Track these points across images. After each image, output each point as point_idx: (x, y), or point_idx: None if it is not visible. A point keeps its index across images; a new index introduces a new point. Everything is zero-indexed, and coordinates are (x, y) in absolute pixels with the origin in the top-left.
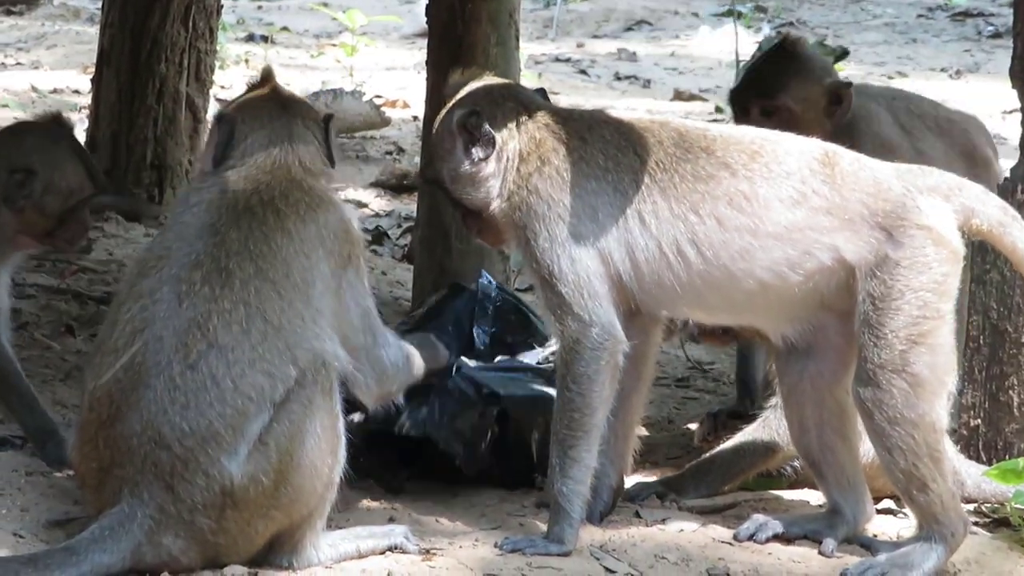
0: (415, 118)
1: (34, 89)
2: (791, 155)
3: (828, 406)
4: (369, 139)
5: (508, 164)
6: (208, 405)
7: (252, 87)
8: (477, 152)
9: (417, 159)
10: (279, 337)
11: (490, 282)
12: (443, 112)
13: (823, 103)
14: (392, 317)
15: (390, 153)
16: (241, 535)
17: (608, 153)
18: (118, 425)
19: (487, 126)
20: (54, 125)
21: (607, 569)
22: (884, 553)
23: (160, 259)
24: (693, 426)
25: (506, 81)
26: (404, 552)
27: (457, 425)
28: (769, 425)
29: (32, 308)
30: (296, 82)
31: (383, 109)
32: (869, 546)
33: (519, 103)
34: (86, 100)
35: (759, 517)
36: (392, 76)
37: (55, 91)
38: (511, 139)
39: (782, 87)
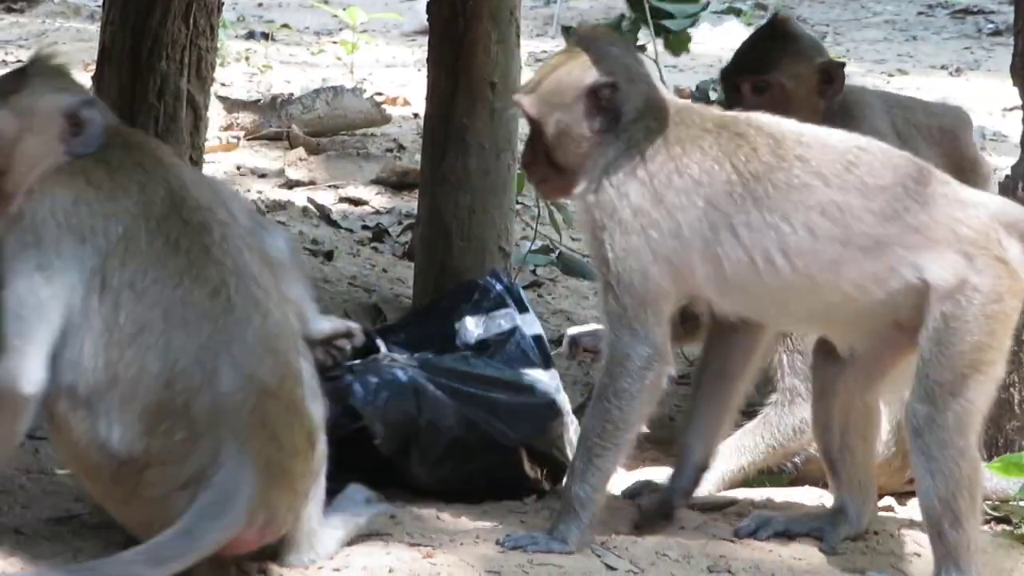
0: (416, 115)
1: None
2: (887, 169)
3: (856, 408)
4: (369, 136)
5: (617, 147)
6: (288, 349)
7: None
8: (597, 122)
9: (418, 156)
10: (274, 267)
11: (495, 282)
12: (571, 60)
13: (815, 81)
14: (393, 314)
15: (391, 150)
16: (307, 486)
17: (704, 167)
18: (216, 384)
19: (619, 101)
20: None
21: (608, 566)
22: None
23: (171, 245)
24: None
25: (642, 57)
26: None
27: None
28: (769, 422)
29: None
30: (296, 79)
31: (384, 106)
32: None
33: (648, 87)
34: None
35: (761, 514)
36: (392, 73)
37: None
38: (631, 124)
39: (774, 64)
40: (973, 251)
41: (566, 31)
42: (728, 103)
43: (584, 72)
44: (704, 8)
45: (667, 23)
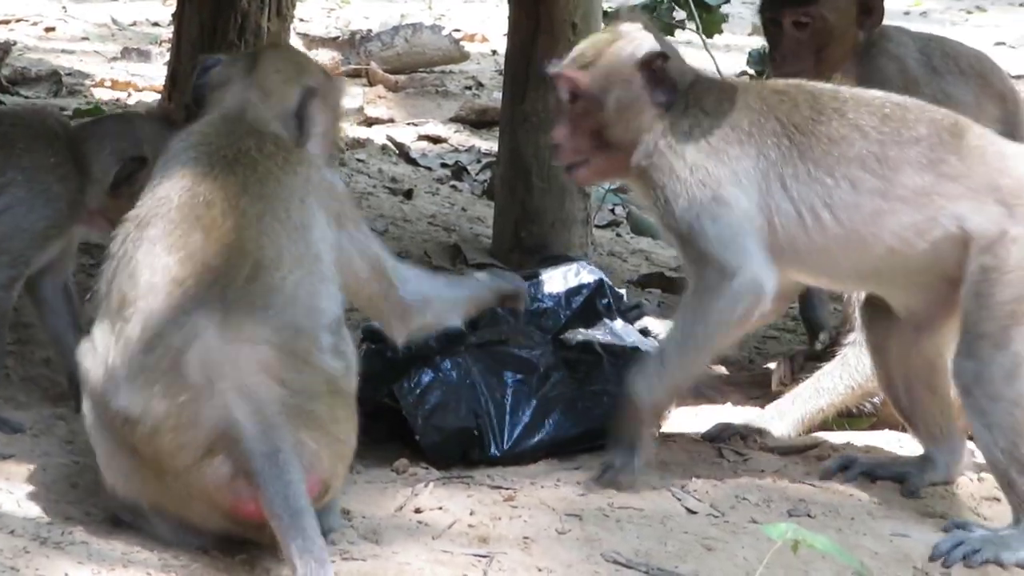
0: (494, 52)
1: (114, 21)
2: (921, 122)
3: (915, 364)
4: (448, 74)
5: (673, 115)
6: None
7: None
8: (659, 95)
9: (496, 94)
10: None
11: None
12: (620, 38)
13: (854, 13)
14: (474, 254)
15: (469, 88)
16: (348, 434)
17: (752, 119)
18: (196, 348)
19: (671, 71)
20: (164, 118)
21: (688, 510)
22: (979, 531)
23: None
24: (773, 365)
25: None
26: None
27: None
28: (848, 363)
29: None
30: (375, 15)
31: (462, 43)
32: (963, 527)
33: (683, 62)
34: (165, 32)
35: (847, 454)
36: (471, 10)
37: (134, 24)
38: (682, 96)
39: None
40: (1012, 201)
41: (607, 17)
42: (769, 40)
43: (636, 47)
44: None
45: None
